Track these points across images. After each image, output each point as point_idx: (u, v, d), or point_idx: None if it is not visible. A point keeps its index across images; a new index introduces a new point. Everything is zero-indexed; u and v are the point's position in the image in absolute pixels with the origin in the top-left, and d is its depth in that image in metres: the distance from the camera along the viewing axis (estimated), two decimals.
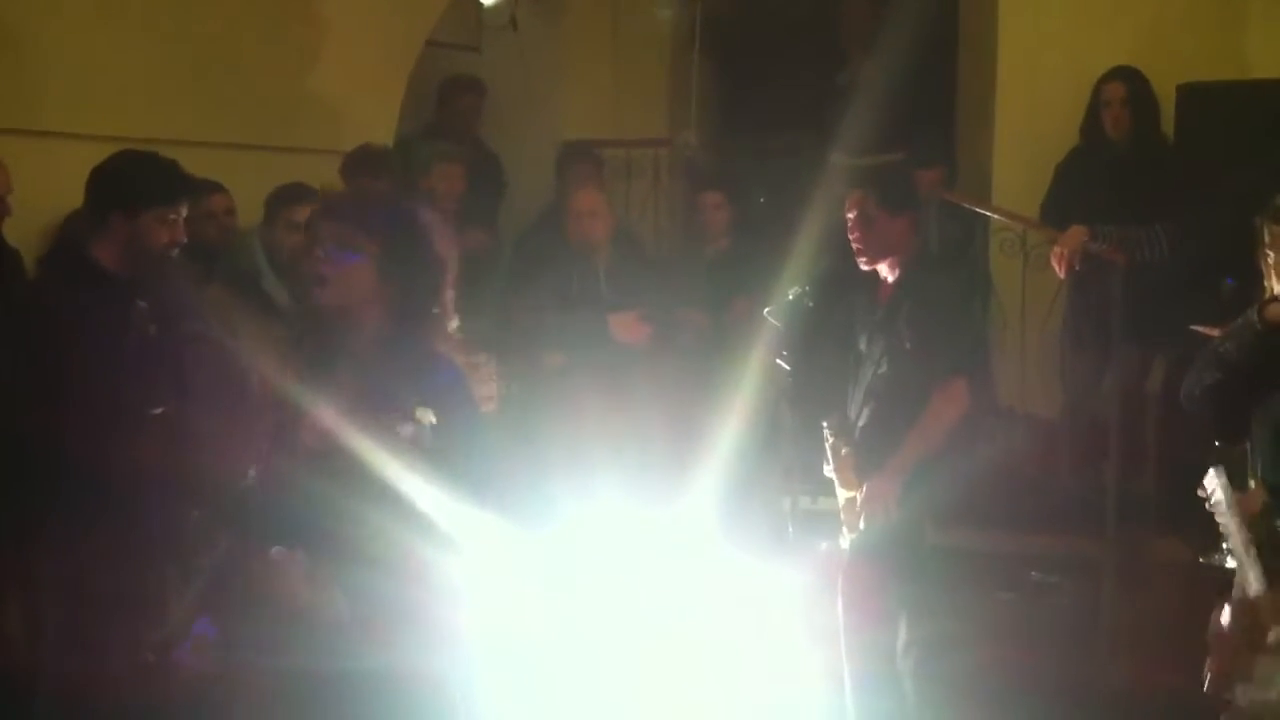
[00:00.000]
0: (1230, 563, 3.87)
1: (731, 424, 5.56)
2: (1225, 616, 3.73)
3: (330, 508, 3.30)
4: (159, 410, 4.19)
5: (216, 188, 5.87)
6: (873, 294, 5.16)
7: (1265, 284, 3.94)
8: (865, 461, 5.01)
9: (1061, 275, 6.45)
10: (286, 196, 5.62)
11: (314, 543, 3.37)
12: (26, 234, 5.09)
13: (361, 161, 6.17)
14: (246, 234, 5.81)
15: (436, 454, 3.39)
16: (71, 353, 4.09)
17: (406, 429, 3.39)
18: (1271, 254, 3.87)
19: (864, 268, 5.10)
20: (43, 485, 3.99)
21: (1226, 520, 3.73)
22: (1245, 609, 3.69)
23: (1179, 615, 4.14)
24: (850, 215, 5.06)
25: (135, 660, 4.13)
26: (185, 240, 4.39)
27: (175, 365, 4.28)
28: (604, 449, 5.86)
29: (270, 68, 6.56)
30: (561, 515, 5.30)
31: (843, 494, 5.06)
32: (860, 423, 5.09)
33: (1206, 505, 3.75)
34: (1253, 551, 3.70)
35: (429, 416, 3.40)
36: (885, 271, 5.09)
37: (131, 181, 4.31)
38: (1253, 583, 3.68)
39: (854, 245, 5.07)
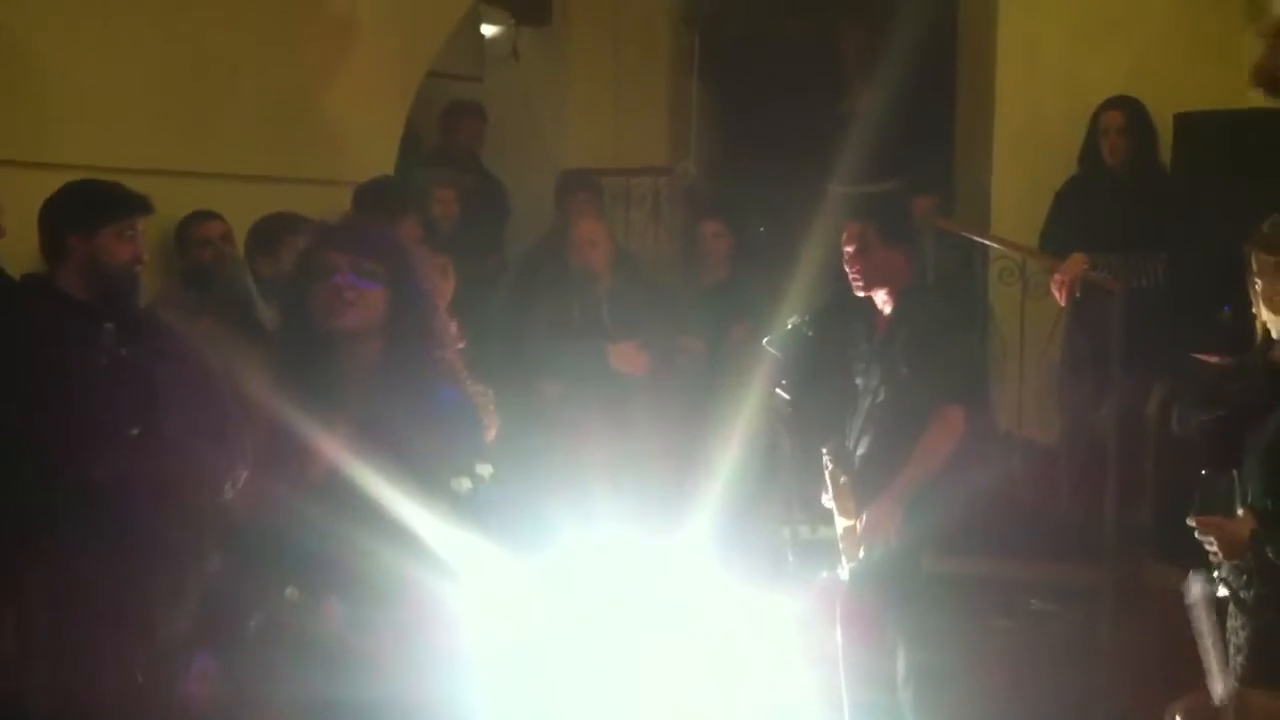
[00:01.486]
0: (1222, 591, 3.88)
1: (730, 452, 5.57)
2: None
3: (333, 537, 3.31)
4: (135, 430, 4.20)
5: (212, 215, 5.89)
6: (870, 323, 5.18)
7: (1253, 311, 3.96)
8: (864, 490, 5.02)
9: (1062, 303, 6.46)
10: (285, 226, 5.62)
11: (321, 576, 3.38)
12: (24, 268, 5.10)
13: (376, 194, 6.19)
14: (238, 263, 5.80)
15: (492, 508, 3.43)
16: (43, 378, 4.10)
17: (463, 484, 3.42)
18: (1260, 281, 3.89)
19: (859, 294, 5.12)
20: (28, 505, 4.01)
21: (1201, 628, 3.79)
22: (1207, 714, 3.75)
23: (1177, 642, 4.14)
24: (847, 248, 5.09)
25: (125, 678, 4.13)
26: (145, 257, 4.42)
27: (148, 384, 4.29)
28: (603, 476, 5.87)
29: (271, 98, 6.58)
30: (561, 543, 5.30)
31: (841, 522, 5.07)
32: (859, 451, 5.11)
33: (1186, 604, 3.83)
34: (1221, 662, 3.77)
35: (487, 470, 3.44)
36: (881, 301, 5.11)
37: (82, 202, 4.33)
38: (1218, 690, 3.74)
39: (851, 275, 5.10)
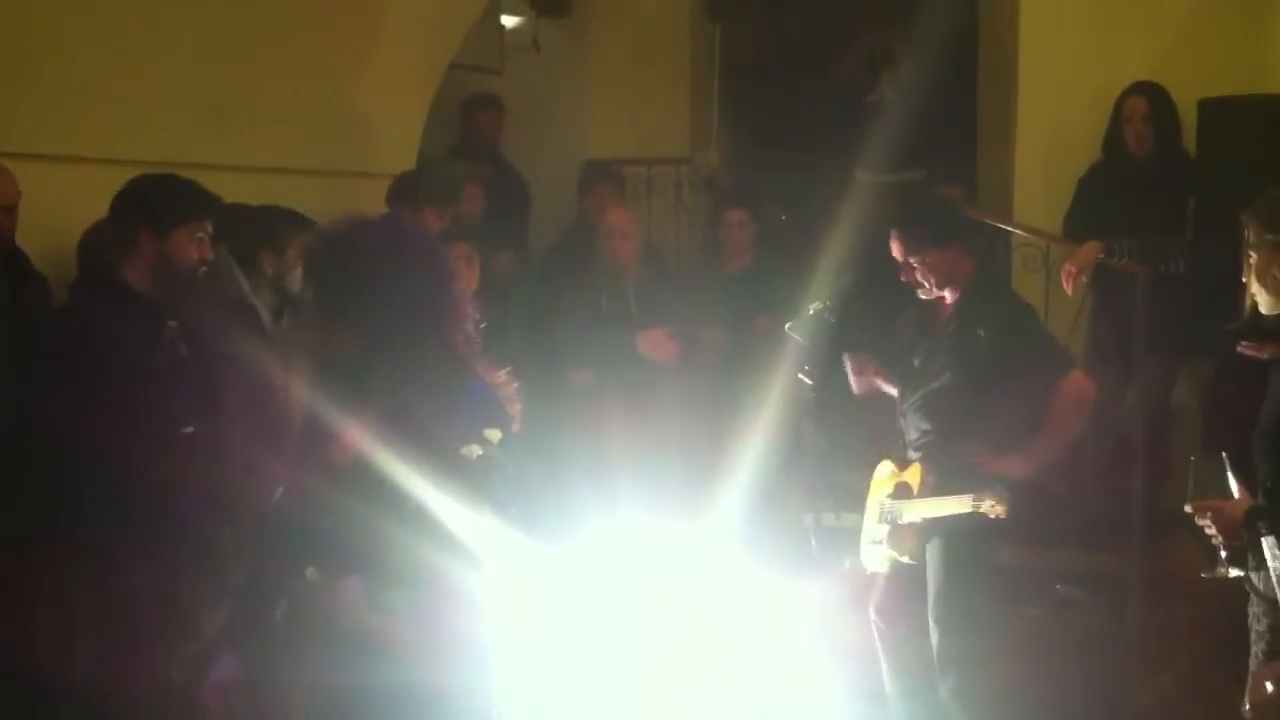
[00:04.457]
0: (1234, 571, 3.83)
1: (754, 440, 5.56)
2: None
3: (358, 524, 3.32)
4: (190, 429, 4.20)
5: None
6: (927, 313, 5.12)
7: (1244, 279, 3.91)
8: (934, 476, 4.96)
9: (1069, 292, 6.42)
10: (291, 223, 5.56)
11: (341, 558, 3.38)
12: (40, 259, 5.11)
13: (408, 188, 6.19)
14: (228, 258, 5.76)
15: (508, 473, 3.41)
16: (104, 373, 4.11)
17: (474, 450, 3.40)
18: (1255, 255, 3.84)
19: (925, 298, 5.06)
20: (75, 501, 4.01)
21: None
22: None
23: (1204, 629, 4.13)
24: (901, 260, 5.01)
25: (166, 675, 4.15)
26: (212, 258, 4.42)
27: (206, 384, 4.30)
28: (627, 464, 5.88)
29: (292, 90, 6.58)
30: (584, 531, 5.31)
31: (910, 515, 5.00)
32: (912, 435, 5.04)
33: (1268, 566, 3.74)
34: None
35: (495, 435, 3.42)
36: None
37: (159, 199, 4.33)
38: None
39: (913, 284, 5.02)
